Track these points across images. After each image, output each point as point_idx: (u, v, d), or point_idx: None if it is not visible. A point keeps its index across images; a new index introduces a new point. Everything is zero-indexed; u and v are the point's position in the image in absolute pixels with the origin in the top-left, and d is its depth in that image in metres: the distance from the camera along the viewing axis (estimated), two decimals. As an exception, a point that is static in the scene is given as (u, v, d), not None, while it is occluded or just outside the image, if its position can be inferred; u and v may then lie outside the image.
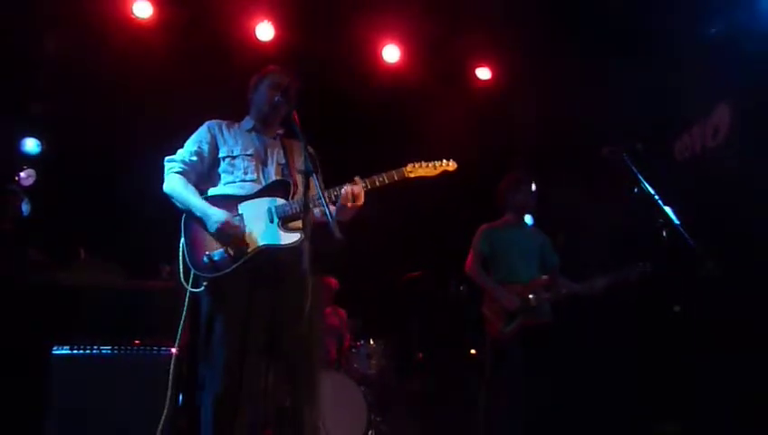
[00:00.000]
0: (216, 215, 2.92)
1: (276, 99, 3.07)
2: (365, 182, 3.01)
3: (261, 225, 2.94)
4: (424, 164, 3.14)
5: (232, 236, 2.89)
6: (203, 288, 2.92)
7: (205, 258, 2.89)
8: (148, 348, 4.09)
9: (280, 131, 3.27)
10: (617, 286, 4.17)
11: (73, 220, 5.15)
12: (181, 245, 2.98)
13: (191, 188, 3.05)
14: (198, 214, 2.96)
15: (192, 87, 5.21)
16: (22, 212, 4.81)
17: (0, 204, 4.75)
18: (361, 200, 2.97)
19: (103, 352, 4.00)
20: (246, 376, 2.81)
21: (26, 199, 4.90)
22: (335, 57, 5.80)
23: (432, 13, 5.63)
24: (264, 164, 3.12)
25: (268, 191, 3.03)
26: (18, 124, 5.33)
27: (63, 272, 4.41)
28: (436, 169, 3.17)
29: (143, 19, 5.39)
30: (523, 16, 5.38)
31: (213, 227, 2.90)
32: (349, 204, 2.95)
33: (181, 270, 2.95)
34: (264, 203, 2.99)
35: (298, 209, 2.90)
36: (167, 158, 3.14)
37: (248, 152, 3.11)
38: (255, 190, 3.03)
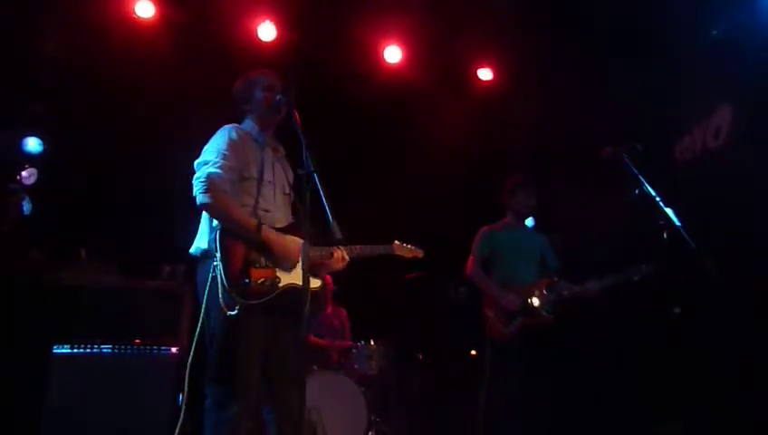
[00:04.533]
0: (295, 242, 2.94)
1: (278, 98, 3.06)
2: (349, 250, 3.18)
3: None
4: (406, 247, 3.61)
5: (294, 264, 2.95)
6: (236, 312, 2.76)
7: (247, 281, 2.80)
8: (148, 347, 4.10)
9: (280, 149, 3.25)
10: (618, 288, 4.17)
11: (75, 220, 5.15)
12: (217, 264, 2.78)
13: (244, 213, 2.93)
14: (271, 245, 2.89)
15: (193, 87, 5.22)
16: (23, 211, 4.81)
17: (1, 203, 4.76)
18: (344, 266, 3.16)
19: (103, 351, 4.02)
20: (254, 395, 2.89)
21: (28, 199, 4.90)
22: (337, 57, 5.80)
23: (434, 14, 5.63)
24: (275, 193, 3.11)
25: (296, 230, 3.00)
26: (20, 123, 5.33)
27: (64, 271, 4.42)
28: (410, 252, 3.64)
29: (145, 19, 5.39)
30: (525, 17, 5.38)
31: (289, 255, 2.93)
32: (338, 265, 3.13)
33: (219, 291, 2.76)
34: (294, 241, 2.97)
35: (322, 254, 3.05)
36: (208, 171, 2.88)
37: (268, 179, 3.06)
38: (285, 224, 3.05)
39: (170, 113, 5.23)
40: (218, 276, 2.76)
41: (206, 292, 2.83)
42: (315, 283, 2.97)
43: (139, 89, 5.23)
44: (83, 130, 5.31)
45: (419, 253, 3.69)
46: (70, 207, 5.19)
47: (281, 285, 2.88)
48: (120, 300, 4.32)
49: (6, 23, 4.93)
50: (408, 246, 3.63)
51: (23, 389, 3.95)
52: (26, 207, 4.88)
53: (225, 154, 2.93)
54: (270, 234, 2.90)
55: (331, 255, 3.09)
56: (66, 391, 3.86)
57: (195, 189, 2.88)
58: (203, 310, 2.88)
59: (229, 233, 2.83)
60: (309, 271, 2.77)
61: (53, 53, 5.37)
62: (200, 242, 2.98)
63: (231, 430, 2.79)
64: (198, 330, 2.90)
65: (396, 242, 3.55)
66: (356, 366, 5.17)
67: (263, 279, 2.83)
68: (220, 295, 2.75)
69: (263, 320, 2.88)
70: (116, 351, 4.04)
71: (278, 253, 2.91)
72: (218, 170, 2.88)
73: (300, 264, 2.87)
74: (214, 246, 2.82)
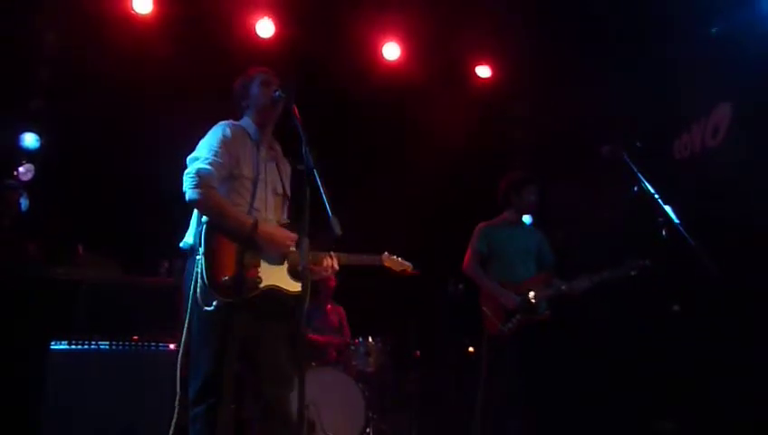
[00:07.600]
0: (284, 233, 2.93)
1: (277, 93, 3.03)
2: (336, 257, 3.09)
3: (273, 264, 2.93)
4: (395, 259, 3.41)
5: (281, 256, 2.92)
6: (213, 308, 2.77)
7: (226, 278, 2.77)
8: (146, 344, 4.09)
9: (276, 148, 3.20)
10: (616, 281, 4.17)
11: (72, 216, 5.14)
12: (199, 259, 2.78)
13: (234, 208, 2.92)
14: (260, 237, 2.84)
15: (191, 83, 5.21)
16: (20, 207, 4.80)
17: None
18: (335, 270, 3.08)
19: (101, 347, 4.01)
20: (226, 391, 2.84)
21: (25, 194, 4.89)
22: (335, 54, 5.79)
23: (432, 11, 5.63)
24: (267, 193, 3.07)
25: (290, 230, 2.99)
26: (17, 119, 5.32)
27: (62, 267, 4.40)
28: (399, 265, 3.43)
29: (143, 15, 5.39)
30: (524, 15, 5.38)
31: (278, 250, 2.90)
32: (325, 273, 3.06)
33: (198, 286, 2.78)
34: (283, 232, 2.96)
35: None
36: (198, 167, 2.86)
37: (259, 177, 3.03)
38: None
39: (168, 109, 5.21)
40: (200, 272, 2.76)
41: (191, 287, 2.81)
42: (295, 286, 2.88)
43: (136, 84, 5.22)
44: (81, 126, 5.30)
45: (409, 267, 3.48)
46: (67, 202, 5.18)
47: (261, 285, 2.83)
48: (118, 296, 4.29)
49: (5, 18, 4.91)
50: (398, 259, 3.45)
51: (20, 385, 3.94)
52: (23, 202, 4.87)
53: (216, 151, 2.91)
54: (264, 226, 2.88)
55: (320, 261, 3.00)
56: (64, 387, 3.85)
57: (184, 185, 2.87)
58: (189, 305, 2.84)
59: (215, 228, 2.82)
60: (292, 275, 2.92)
61: (51, 49, 5.36)
62: (188, 237, 2.96)
63: (200, 428, 2.80)
64: (186, 326, 2.88)
65: (385, 254, 3.39)
66: (354, 363, 5.17)
67: (243, 277, 2.79)
68: (199, 291, 2.76)
69: (243, 318, 2.82)
70: (114, 347, 4.03)
71: (265, 243, 2.86)
72: (208, 167, 2.86)
73: (284, 267, 2.93)
74: (198, 240, 2.82)
